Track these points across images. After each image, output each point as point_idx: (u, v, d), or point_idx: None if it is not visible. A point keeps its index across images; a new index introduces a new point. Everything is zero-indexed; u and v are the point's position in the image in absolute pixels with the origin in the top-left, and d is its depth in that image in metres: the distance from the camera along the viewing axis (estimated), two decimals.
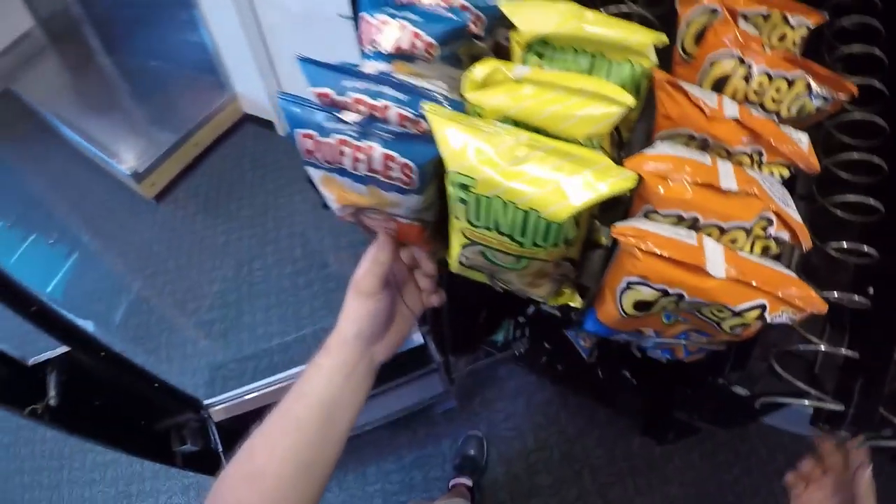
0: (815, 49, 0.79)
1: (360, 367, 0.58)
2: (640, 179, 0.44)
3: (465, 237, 0.50)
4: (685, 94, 0.49)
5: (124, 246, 2.30)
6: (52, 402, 1.04)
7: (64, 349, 1.08)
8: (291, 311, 1.95)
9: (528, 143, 0.43)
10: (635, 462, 1.64)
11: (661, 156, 0.45)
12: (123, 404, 1.26)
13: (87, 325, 1.14)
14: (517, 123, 0.47)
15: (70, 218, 2.41)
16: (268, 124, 2.39)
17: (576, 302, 0.57)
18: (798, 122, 0.58)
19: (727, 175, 0.45)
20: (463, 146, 0.44)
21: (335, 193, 0.60)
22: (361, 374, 0.58)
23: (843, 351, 0.67)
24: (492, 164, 0.43)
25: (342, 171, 0.55)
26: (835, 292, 0.66)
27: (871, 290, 0.70)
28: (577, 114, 0.44)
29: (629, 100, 0.44)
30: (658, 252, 0.41)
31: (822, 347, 0.66)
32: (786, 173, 0.52)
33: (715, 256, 0.42)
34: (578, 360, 1.42)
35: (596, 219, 0.53)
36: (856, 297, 0.67)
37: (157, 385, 1.30)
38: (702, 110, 0.49)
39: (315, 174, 0.59)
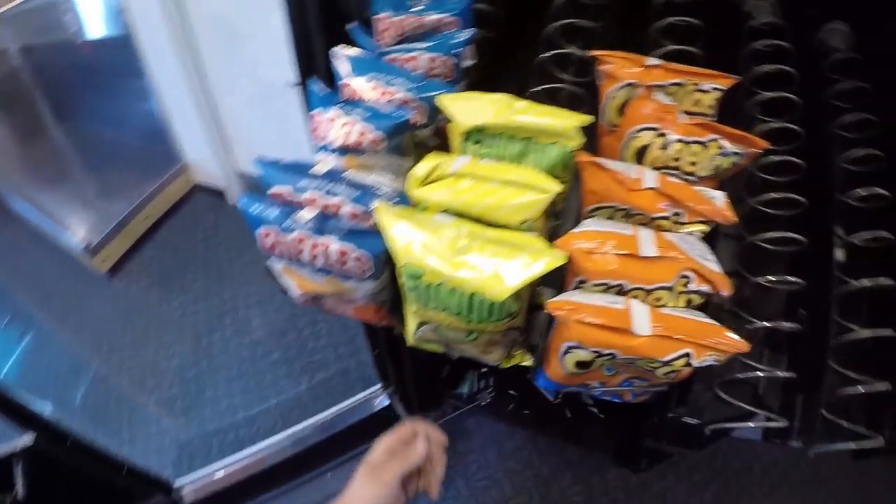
0: (734, 98, 0.89)
1: None
2: (570, 257, 0.50)
3: (419, 317, 0.56)
4: (606, 170, 0.56)
5: (79, 323, 2.27)
6: (20, 494, 1.05)
7: (29, 439, 1.09)
8: (254, 383, 1.95)
9: (468, 234, 0.50)
10: (614, 494, 1.68)
11: (586, 232, 0.52)
12: (93, 491, 1.27)
13: (45, 407, 1.15)
14: (459, 214, 0.53)
15: (21, 296, 2.37)
16: (219, 194, 2.43)
17: (527, 361, 0.63)
18: (716, 177, 0.67)
19: (647, 242, 0.52)
20: (410, 241, 0.50)
21: (296, 283, 0.66)
22: None
23: (780, 374, 0.74)
24: (437, 255, 0.50)
25: (301, 264, 0.61)
26: (766, 322, 0.74)
27: (801, 313, 0.79)
28: (511, 203, 0.51)
29: (555, 187, 0.51)
30: (589, 320, 0.48)
31: (760, 373, 0.73)
32: (705, 229, 0.59)
33: (640, 317, 0.49)
34: (545, 402, 1.48)
35: (537, 285, 0.60)
36: (785, 324, 0.75)
37: (125, 470, 1.30)
38: (622, 184, 0.56)
39: (276, 266, 0.65)
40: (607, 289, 0.52)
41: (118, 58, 2.32)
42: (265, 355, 2.02)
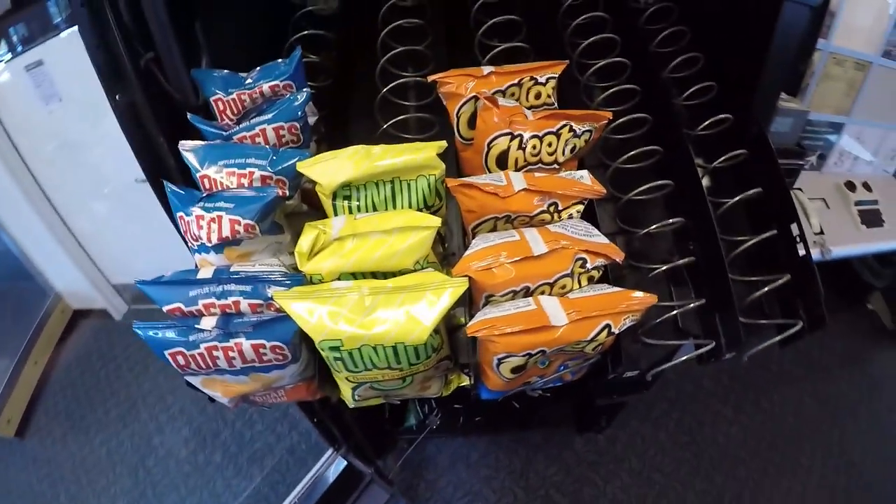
0: (570, 75, 0.96)
1: None
2: (471, 279, 0.53)
3: (351, 381, 0.57)
4: (477, 187, 0.59)
5: (5, 497, 2.07)
6: None
7: None
8: (207, 493, 1.87)
9: (370, 293, 0.51)
10: (589, 459, 1.77)
11: (478, 252, 0.55)
12: None
13: None
14: (354, 275, 0.55)
15: None
16: (103, 313, 2.30)
17: (464, 381, 0.65)
18: (576, 157, 0.72)
19: (535, 241, 0.56)
20: (319, 317, 0.51)
21: (220, 390, 0.64)
22: None
23: (692, 305, 0.81)
24: (349, 321, 0.51)
25: (220, 371, 0.60)
26: (663, 266, 0.81)
27: (691, 245, 0.87)
28: (399, 249, 0.54)
29: (435, 222, 0.54)
30: (509, 330, 0.51)
31: (675, 310, 0.80)
32: (581, 208, 0.64)
33: (554, 310, 0.53)
34: (491, 403, 1.52)
35: (454, 311, 0.62)
36: (680, 260, 0.82)
37: None
38: (495, 194, 0.60)
39: (195, 380, 0.63)
40: (514, 295, 0.55)
41: None
42: (207, 461, 1.93)
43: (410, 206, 0.62)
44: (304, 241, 0.56)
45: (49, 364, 2.27)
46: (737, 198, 0.86)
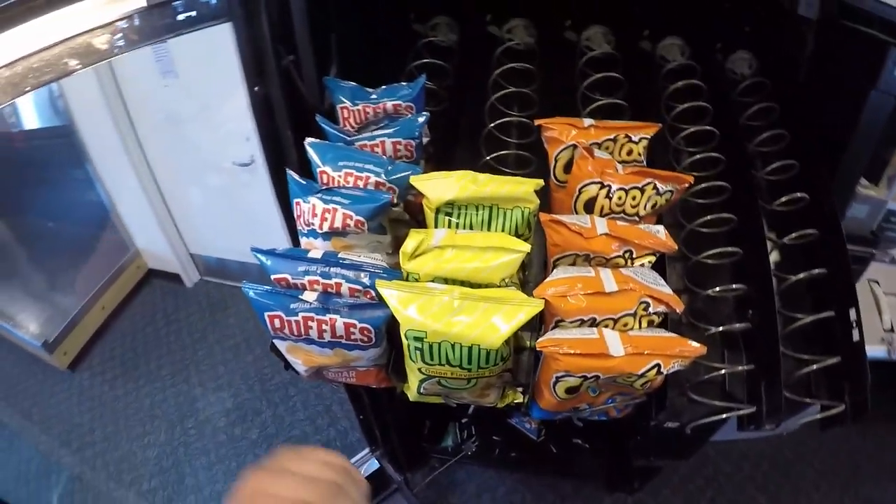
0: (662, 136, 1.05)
1: None
2: (547, 302, 0.63)
3: (422, 373, 0.67)
4: (565, 225, 0.69)
5: (45, 422, 2.24)
6: None
7: None
8: (235, 465, 1.97)
9: (459, 297, 0.62)
10: None
11: (556, 280, 0.65)
12: None
13: None
14: (447, 280, 0.65)
15: None
16: (175, 277, 2.48)
17: (519, 398, 0.74)
18: (656, 212, 0.81)
19: (608, 280, 0.65)
20: (412, 309, 0.62)
21: (302, 358, 0.75)
22: None
23: (740, 368, 0.88)
24: (436, 318, 0.61)
25: (309, 341, 0.72)
26: (720, 327, 0.88)
27: (750, 313, 0.94)
28: (491, 265, 0.64)
29: (526, 247, 0.64)
30: (572, 351, 0.60)
31: (723, 370, 0.87)
32: (653, 259, 0.73)
33: (613, 342, 0.61)
34: (529, 442, 1.60)
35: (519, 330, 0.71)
36: (737, 325, 0.89)
37: None
38: (579, 234, 0.69)
39: (282, 345, 0.75)
40: (581, 323, 0.64)
41: (57, 148, 2.36)
42: (243, 436, 2.05)
43: (504, 232, 0.72)
44: (410, 243, 0.67)
45: (115, 312, 2.46)
46: (800, 275, 0.92)
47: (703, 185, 0.97)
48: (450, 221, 0.73)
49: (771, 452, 1.89)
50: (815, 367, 0.88)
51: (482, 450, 1.73)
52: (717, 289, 0.91)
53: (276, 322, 0.71)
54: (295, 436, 2.01)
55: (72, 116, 2.07)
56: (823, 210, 0.98)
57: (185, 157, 2.06)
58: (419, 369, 0.68)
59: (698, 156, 1.01)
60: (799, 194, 0.98)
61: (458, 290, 0.63)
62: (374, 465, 1.55)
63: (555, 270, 0.67)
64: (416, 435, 1.69)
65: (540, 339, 0.61)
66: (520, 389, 0.76)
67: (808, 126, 1.05)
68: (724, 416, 0.87)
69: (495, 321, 0.60)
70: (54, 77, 0.77)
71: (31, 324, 2.29)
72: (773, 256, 1.01)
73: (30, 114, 2.38)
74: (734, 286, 0.90)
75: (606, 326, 0.65)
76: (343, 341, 0.70)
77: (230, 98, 1.66)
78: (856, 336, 0.89)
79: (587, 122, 0.82)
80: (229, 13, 0.85)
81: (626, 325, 0.65)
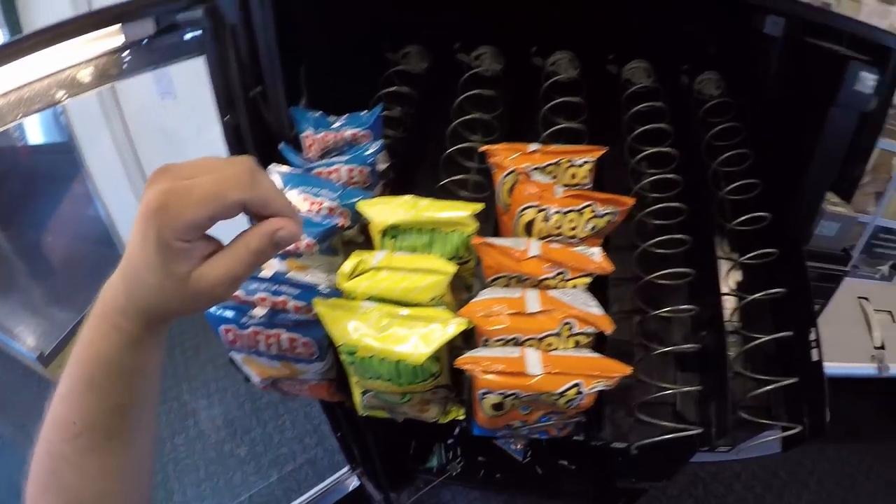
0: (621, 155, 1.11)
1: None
2: (473, 322, 0.68)
3: (360, 387, 0.73)
4: (496, 248, 0.75)
5: (38, 434, 2.33)
6: None
7: None
8: (223, 482, 2.03)
9: (388, 314, 0.68)
10: None
11: (482, 301, 0.70)
12: None
13: None
14: (381, 299, 0.71)
15: None
16: None
17: (460, 415, 0.80)
18: (599, 234, 0.86)
19: (533, 301, 0.71)
20: (344, 325, 0.68)
21: (256, 370, 0.82)
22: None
23: (686, 388, 0.92)
24: (366, 334, 0.67)
25: (259, 353, 0.78)
26: (668, 348, 0.92)
27: (703, 334, 0.98)
28: (420, 286, 0.70)
29: (451, 268, 0.70)
30: (491, 369, 0.65)
31: (670, 390, 0.91)
32: (587, 280, 0.78)
33: (533, 360, 0.67)
34: (514, 463, 1.64)
35: (461, 349, 0.77)
36: (686, 346, 0.93)
37: None
38: (511, 256, 0.75)
39: (237, 357, 0.82)
40: (506, 342, 0.70)
41: (59, 163, 2.48)
42: (232, 453, 2.11)
43: (444, 255, 0.78)
44: (347, 264, 0.73)
45: None
46: (758, 294, 0.96)
47: (660, 206, 1.02)
48: (394, 244, 0.79)
49: (764, 475, 1.91)
50: (770, 387, 0.92)
51: (467, 471, 1.79)
52: (666, 310, 0.95)
53: (230, 335, 0.78)
54: (283, 453, 2.08)
55: (73, 133, 2.19)
56: (785, 229, 1.03)
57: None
58: (356, 382, 0.74)
59: (656, 176, 1.05)
60: (759, 213, 1.03)
61: (387, 309, 0.69)
62: (355, 482, 1.60)
63: (482, 291, 0.73)
64: (402, 455, 1.74)
65: (461, 357, 0.67)
66: (462, 407, 0.82)
67: (772, 145, 1.10)
68: (670, 436, 0.90)
69: (420, 339, 0.66)
70: (43, 106, 0.86)
71: (28, 336, 2.39)
72: (736, 276, 1.06)
73: (34, 129, 2.51)
74: (682, 307, 0.95)
75: (531, 346, 0.70)
76: (288, 354, 0.77)
77: None
78: (814, 356, 0.92)
79: (531, 147, 0.87)
80: (202, 49, 0.93)
81: (550, 344, 0.70)
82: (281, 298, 0.77)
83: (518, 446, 1.66)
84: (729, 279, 1.04)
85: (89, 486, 0.48)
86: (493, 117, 1.08)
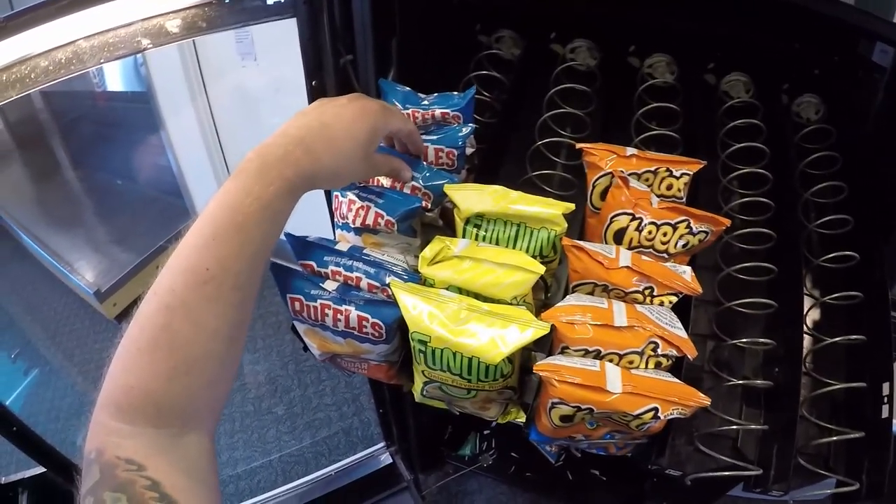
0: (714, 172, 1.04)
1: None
2: (554, 327, 0.63)
3: (425, 376, 0.69)
4: (587, 252, 0.70)
5: (85, 365, 2.38)
6: None
7: (38, 470, 1.17)
8: (256, 437, 2.05)
9: (468, 308, 0.63)
10: None
11: (567, 307, 0.65)
12: None
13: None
14: (460, 290, 0.67)
15: (31, 332, 2.50)
16: None
17: (521, 418, 0.75)
18: (688, 252, 0.80)
19: (620, 314, 0.65)
20: (420, 312, 0.64)
21: (317, 343, 0.79)
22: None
23: (753, 426, 0.85)
24: (442, 325, 0.63)
25: (324, 327, 0.75)
26: (740, 381, 0.86)
27: (776, 371, 0.91)
28: (504, 282, 0.65)
29: (539, 269, 0.65)
30: (569, 380, 0.60)
31: (735, 426, 0.85)
32: (673, 300, 0.72)
33: (613, 377, 0.61)
34: (547, 464, 1.59)
35: (530, 350, 0.72)
36: (758, 382, 0.87)
37: None
38: (601, 263, 0.69)
39: (300, 327, 0.78)
40: (586, 353, 0.64)
41: (136, 112, 2.51)
42: (269, 410, 2.12)
43: (528, 251, 0.73)
44: (429, 250, 0.69)
45: None
46: (836, 339, 0.89)
47: (748, 230, 0.95)
48: (476, 234, 0.74)
49: None
50: (834, 438, 0.86)
51: (499, 464, 1.75)
52: (743, 341, 0.89)
53: (297, 305, 0.75)
54: (319, 418, 2.07)
55: (152, 84, 2.20)
56: (872, 273, 0.95)
57: (253, 135, 2.15)
58: (422, 371, 0.70)
59: (747, 198, 0.98)
60: (847, 253, 0.95)
61: (467, 301, 0.64)
62: (387, 459, 1.58)
63: (568, 296, 0.68)
64: (437, 438, 1.71)
65: (539, 363, 0.62)
66: (523, 410, 0.77)
67: (869, 180, 1.02)
68: (727, 473, 0.84)
69: (498, 337, 0.61)
70: (127, 53, 0.84)
71: (88, 272, 2.44)
72: (814, 314, 0.98)
73: (114, 77, 2.54)
74: (762, 340, 0.88)
75: (610, 361, 0.65)
76: (355, 333, 0.73)
77: (302, 86, 1.74)
78: (885, 412, 0.85)
79: (629, 151, 0.82)
80: (294, 10, 0.89)
81: (631, 362, 0.65)
82: (354, 275, 0.73)
83: (553, 448, 1.60)
84: (807, 317, 0.96)
85: (202, 342, 0.49)
86: (585, 114, 1.02)
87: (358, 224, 0.78)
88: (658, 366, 0.67)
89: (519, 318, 0.63)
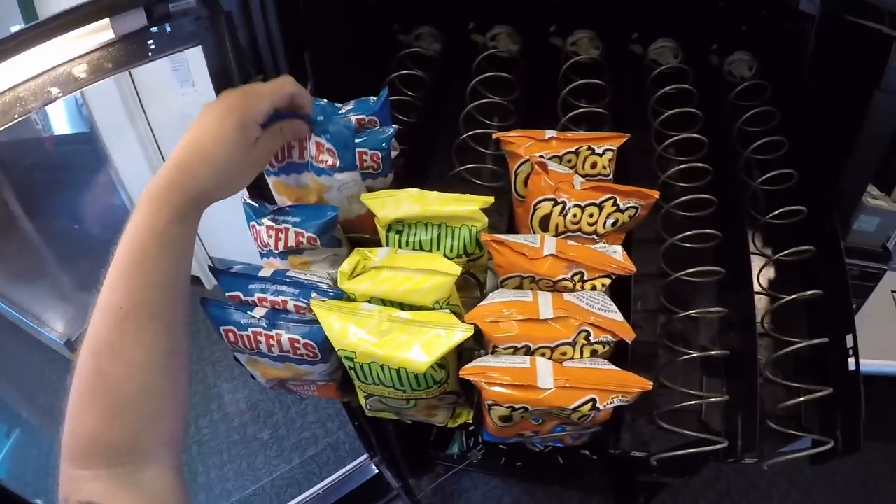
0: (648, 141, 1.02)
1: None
2: (478, 328, 0.62)
3: (363, 391, 0.68)
4: (508, 246, 0.68)
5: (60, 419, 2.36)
6: None
7: None
8: (246, 465, 2.04)
9: (389, 319, 0.62)
10: None
11: (491, 304, 0.64)
12: None
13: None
14: (384, 301, 0.66)
15: (5, 392, 2.47)
16: (195, 280, 2.56)
17: (470, 419, 0.74)
18: (621, 230, 0.79)
19: (546, 306, 0.64)
20: (342, 329, 0.63)
21: (260, 371, 0.78)
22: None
23: (713, 399, 0.84)
24: (365, 339, 0.62)
25: (262, 354, 0.73)
26: (694, 353, 0.85)
27: (732, 337, 0.90)
28: (423, 287, 0.64)
29: (455, 270, 0.64)
30: (498, 381, 0.59)
31: (694, 401, 0.84)
32: (607, 282, 0.71)
33: (545, 373, 0.60)
34: (536, 452, 1.58)
35: (475, 350, 0.71)
36: (714, 351, 0.86)
37: None
38: (524, 255, 0.68)
39: (241, 358, 0.77)
40: (515, 351, 0.63)
41: (83, 153, 2.47)
42: (254, 437, 2.12)
43: (453, 251, 0.71)
44: (347, 263, 0.68)
45: None
46: (792, 297, 0.88)
47: (689, 197, 0.94)
48: (399, 240, 0.73)
49: (790, 470, 1.83)
50: (802, 398, 0.84)
51: (488, 458, 1.75)
52: (694, 311, 0.87)
53: (231, 336, 0.73)
54: (305, 437, 2.07)
55: (94, 123, 2.17)
56: (823, 225, 0.94)
57: None
58: (359, 387, 0.69)
59: (685, 164, 0.97)
60: (795, 207, 0.94)
61: (388, 312, 0.63)
62: (373, 471, 1.57)
63: (491, 294, 0.67)
64: (423, 441, 1.70)
65: (466, 367, 0.61)
66: (472, 409, 0.76)
67: (809, 132, 1.01)
68: (692, 451, 0.83)
69: (422, 345, 0.60)
70: (40, 105, 0.82)
71: (57, 322, 2.41)
72: (768, 273, 0.97)
73: (58, 120, 2.50)
74: (712, 308, 0.87)
75: (542, 355, 0.63)
76: (291, 356, 0.71)
77: None
78: (851, 365, 0.84)
79: (548, 134, 0.80)
80: (198, 38, 0.88)
81: (564, 354, 0.64)
82: (280, 298, 0.72)
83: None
84: (761, 277, 0.96)
85: (134, 377, 0.51)
86: (509, 101, 1.00)
87: (281, 248, 0.77)
88: (594, 353, 0.66)
89: (442, 323, 0.62)
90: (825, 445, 0.83)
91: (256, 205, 0.79)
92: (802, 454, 0.85)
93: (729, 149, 1.01)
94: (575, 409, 0.60)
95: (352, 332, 0.62)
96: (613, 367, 0.63)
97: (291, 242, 0.75)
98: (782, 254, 0.93)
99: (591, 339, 0.64)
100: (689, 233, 0.91)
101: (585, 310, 0.65)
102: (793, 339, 0.88)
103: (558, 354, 0.64)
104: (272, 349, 0.72)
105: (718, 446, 0.83)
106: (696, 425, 0.87)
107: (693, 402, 0.84)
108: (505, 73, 1.02)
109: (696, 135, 0.99)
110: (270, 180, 0.81)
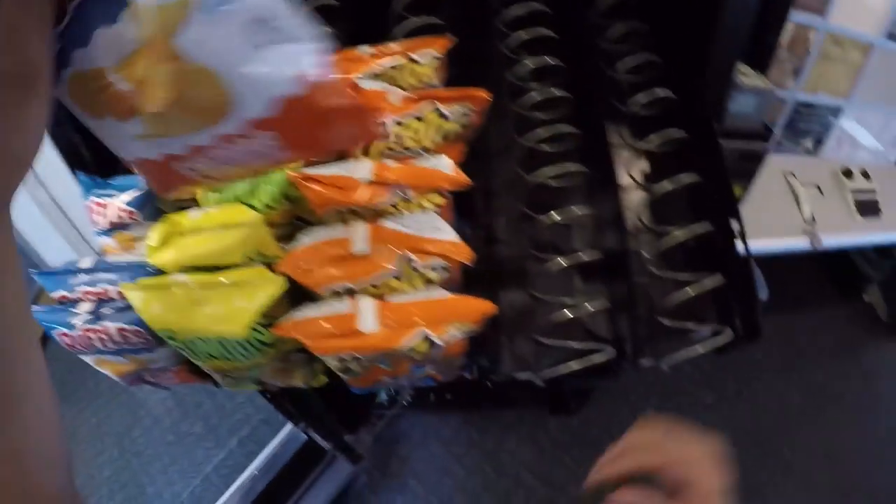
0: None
1: None
2: (293, 276, 0.59)
3: (207, 368, 0.65)
4: (318, 180, 0.63)
5: None
6: None
7: None
8: (187, 462, 2.03)
9: (198, 286, 0.59)
10: (561, 440, 1.85)
11: (303, 249, 0.61)
12: None
13: None
14: (196, 269, 0.62)
15: None
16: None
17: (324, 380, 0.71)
18: (455, 141, 0.74)
19: (360, 239, 0.60)
20: (154, 308, 0.59)
21: (110, 369, 0.75)
22: None
23: (588, 305, 0.81)
24: (179, 314, 0.58)
25: (100, 352, 0.70)
26: (562, 259, 0.82)
27: (609, 237, 0.88)
28: (226, 244, 0.60)
29: (254, 217, 0.60)
30: (318, 332, 0.57)
31: (570, 311, 0.81)
32: (440, 200, 0.67)
33: (367, 314, 0.57)
34: (462, 381, 1.58)
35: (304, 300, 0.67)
36: (583, 255, 0.83)
37: None
38: (339, 187, 0.63)
39: (88, 360, 0.73)
40: (338, 294, 0.60)
41: None
42: (189, 432, 2.10)
43: (271, 199, 0.67)
44: (155, 234, 0.63)
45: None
46: (668, 186, 0.86)
47: (544, 95, 0.90)
48: (219, 197, 0.68)
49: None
50: (688, 288, 0.81)
51: (417, 398, 1.80)
52: (557, 214, 0.84)
53: (67, 340, 0.70)
54: (237, 419, 2.07)
55: None
56: (693, 109, 0.92)
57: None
58: (202, 364, 0.66)
59: (533, 63, 0.93)
60: (660, 92, 0.91)
61: (197, 280, 0.60)
62: (302, 438, 1.56)
63: (300, 236, 0.63)
64: (345, 397, 1.68)
65: (276, 324, 0.58)
66: None
67: (669, 12, 0.98)
68: (575, 365, 0.80)
69: (236, 309, 0.57)
70: None
71: None
72: (641, 166, 0.95)
73: None
74: (573, 207, 0.84)
75: (367, 294, 0.60)
76: (125, 347, 0.68)
77: None
78: (740, 248, 0.83)
79: (365, 49, 0.75)
80: None
81: (394, 289, 0.61)
82: (100, 288, 0.68)
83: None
84: (634, 171, 0.93)
85: None
86: (334, 32, 0.93)
87: (108, 225, 0.72)
88: (429, 283, 0.63)
89: (253, 281, 0.59)
90: (723, 337, 0.82)
91: (89, 179, 0.74)
92: (700, 349, 0.83)
93: (583, 40, 0.96)
94: (411, 349, 0.57)
95: (165, 308, 0.59)
96: (447, 295, 0.61)
97: (115, 218, 0.72)
98: (651, 142, 0.91)
99: (419, 266, 0.61)
100: (542, 131, 0.88)
101: (408, 235, 0.61)
102: (675, 230, 0.86)
103: (387, 290, 0.61)
104: (106, 344, 0.68)
105: (604, 357, 0.80)
106: (582, 335, 0.84)
107: (571, 313, 0.81)
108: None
109: (545, 30, 0.94)
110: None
